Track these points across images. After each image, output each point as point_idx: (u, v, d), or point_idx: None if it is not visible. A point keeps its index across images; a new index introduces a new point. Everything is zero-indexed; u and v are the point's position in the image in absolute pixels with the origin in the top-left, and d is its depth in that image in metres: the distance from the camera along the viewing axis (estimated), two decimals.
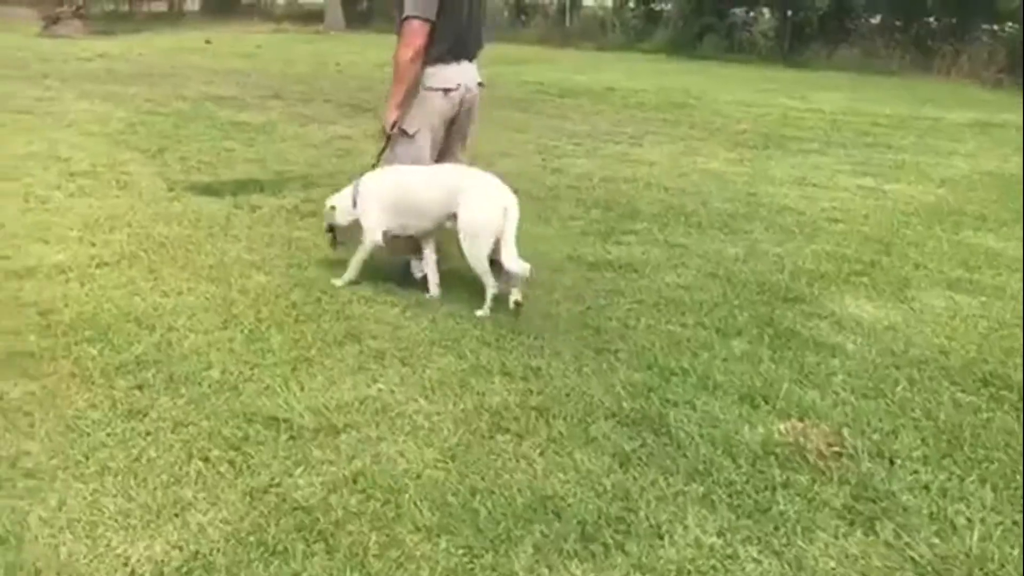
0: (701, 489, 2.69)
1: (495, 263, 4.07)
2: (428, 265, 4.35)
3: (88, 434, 2.94)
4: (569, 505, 2.60)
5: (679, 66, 17.96)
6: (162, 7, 25.60)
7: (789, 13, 19.44)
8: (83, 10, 19.57)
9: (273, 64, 15.27)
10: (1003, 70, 16.25)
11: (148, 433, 2.95)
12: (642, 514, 2.56)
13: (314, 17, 25.37)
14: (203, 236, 5.20)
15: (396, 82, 4.22)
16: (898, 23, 18.72)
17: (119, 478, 2.69)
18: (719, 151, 8.67)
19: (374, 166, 4.53)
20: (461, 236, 4.10)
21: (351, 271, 4.42)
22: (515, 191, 4.19)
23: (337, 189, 4.67)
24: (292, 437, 2.95)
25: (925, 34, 18.37)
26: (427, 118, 4.30)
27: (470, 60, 4.42)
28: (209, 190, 6.28)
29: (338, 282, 4.41)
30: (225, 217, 5.61)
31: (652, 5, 22.17)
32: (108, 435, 2.93)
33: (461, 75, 4.34)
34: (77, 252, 4.79)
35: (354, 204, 4.38)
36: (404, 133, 4.33)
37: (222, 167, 7.13)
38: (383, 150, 4.49)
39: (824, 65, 18.41)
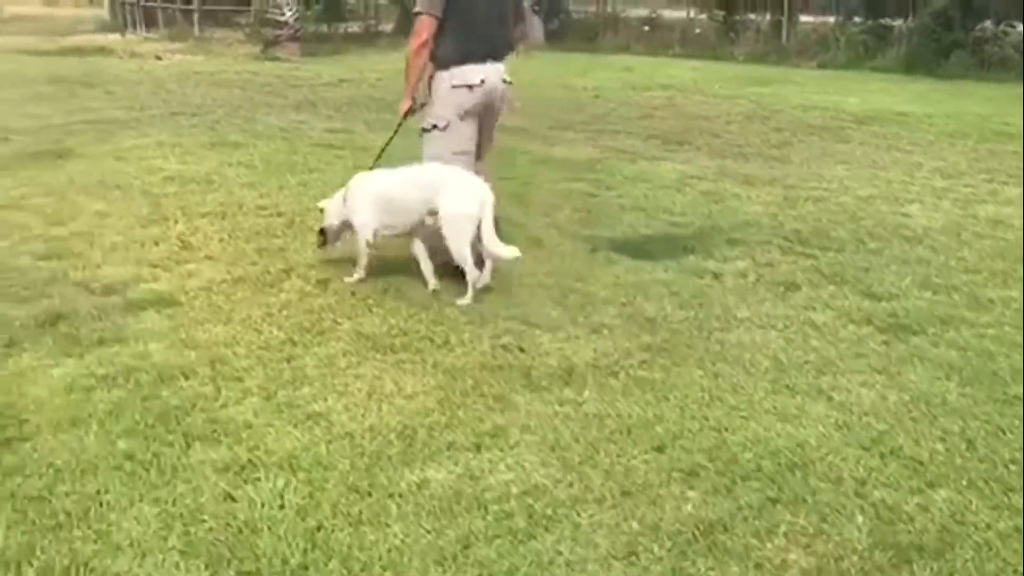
0: None
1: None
2: (421, 259, 4.51)
3: None
4: None
5: (933, 86, 16.33)
6: (355, 28, 25.43)
7: None
8: (300, 33, 19.30)
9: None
10: None
11: None
12: None
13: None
14: (705, 317, 4.25)
15: (407, 72, 4.63)
16: None
17: None
18: None
19: (376, 161, 4.90)
20: (444, 230, 4.29)
21: (359, 270, 4.60)
22: None
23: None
24: None
25: None
26: (456, 112, 4.59)
27: (496, 59, 4.67)
28: (637, 250, 5.35)
29: (350, 279, 4.56)
30: (698, 290, 4.66)
31: (882, 20, 20.54)
32: None
33: (485, 72, 4.60)
34: (580, 344, 3.89)
35: (344, 202, 4.65)
36: (435, 127, 4.64)
37: (606, 217, 6.21)
38: (388, 141, 4.92)
39: None
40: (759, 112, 11.83)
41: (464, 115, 4.63)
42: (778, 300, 4.53)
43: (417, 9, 4.50)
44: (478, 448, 3.00)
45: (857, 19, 20.96)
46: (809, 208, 6.60)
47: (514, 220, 5.95)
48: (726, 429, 3.15)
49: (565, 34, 24.50)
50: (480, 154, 4.84)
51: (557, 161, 8.18)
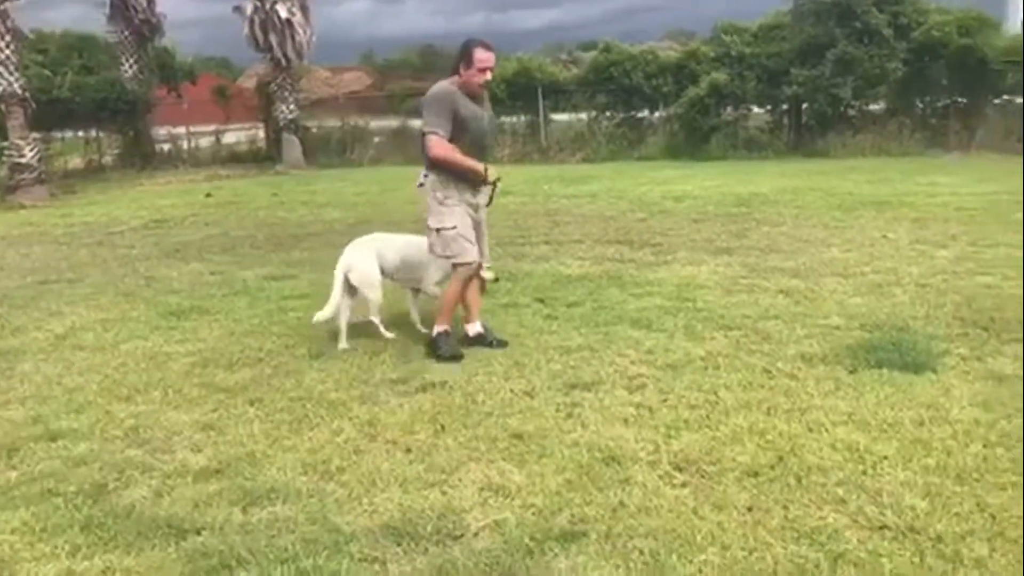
0: None
1: None
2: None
3: None
4: None
5: (715, 168, 17.26)
6: (77, 163, 22.47)
7: (805, 106, 19.79)
8: (46, 174, 16.51)
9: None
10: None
11: None
12: None
13: (269, 158, 23.08)
14: None
15: (461, 164, 5.43)
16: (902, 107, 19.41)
17: None
18: None
19: None
20: None
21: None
22: None
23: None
24: None
25: (932, 114, 19.27)
26: None
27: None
28: (889, 362, 4.73)
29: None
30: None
31: (633, 113, 21.88)
32: None
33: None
34: None
35: None
36: None
37: (770, 333, 5.55)
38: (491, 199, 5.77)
39: (843, 152, 18.68)
40: (644, 207, 11.80)
41: None
42: None
43: (428, 130, 5.30)
44: None
45: (608, 113, 22.08)
46: (902, 295, 6.40)
47: (704, 357, 5.13)
48: None
49: (311, 151, 23.23)
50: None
51: (577, 279, 7.36)
